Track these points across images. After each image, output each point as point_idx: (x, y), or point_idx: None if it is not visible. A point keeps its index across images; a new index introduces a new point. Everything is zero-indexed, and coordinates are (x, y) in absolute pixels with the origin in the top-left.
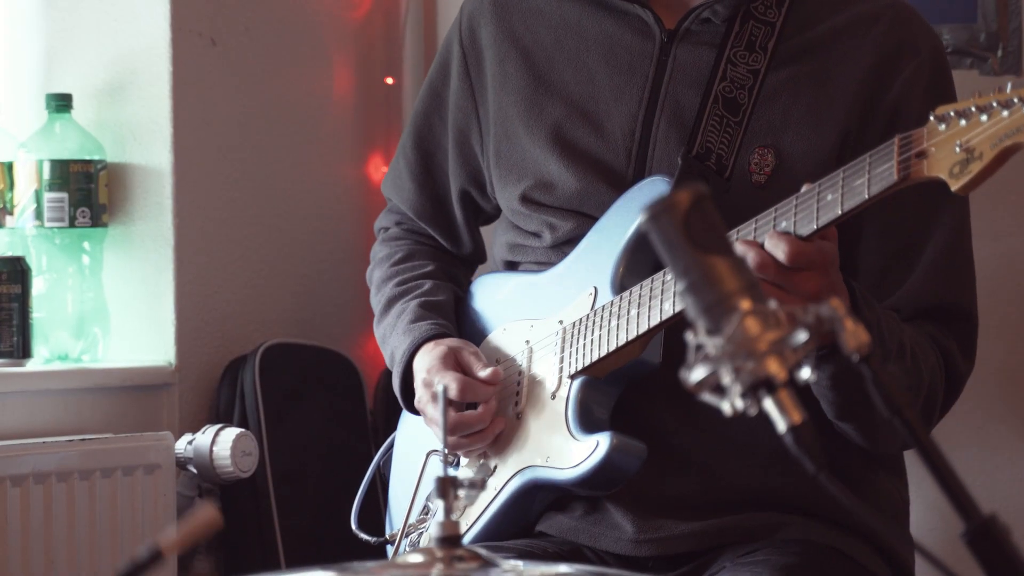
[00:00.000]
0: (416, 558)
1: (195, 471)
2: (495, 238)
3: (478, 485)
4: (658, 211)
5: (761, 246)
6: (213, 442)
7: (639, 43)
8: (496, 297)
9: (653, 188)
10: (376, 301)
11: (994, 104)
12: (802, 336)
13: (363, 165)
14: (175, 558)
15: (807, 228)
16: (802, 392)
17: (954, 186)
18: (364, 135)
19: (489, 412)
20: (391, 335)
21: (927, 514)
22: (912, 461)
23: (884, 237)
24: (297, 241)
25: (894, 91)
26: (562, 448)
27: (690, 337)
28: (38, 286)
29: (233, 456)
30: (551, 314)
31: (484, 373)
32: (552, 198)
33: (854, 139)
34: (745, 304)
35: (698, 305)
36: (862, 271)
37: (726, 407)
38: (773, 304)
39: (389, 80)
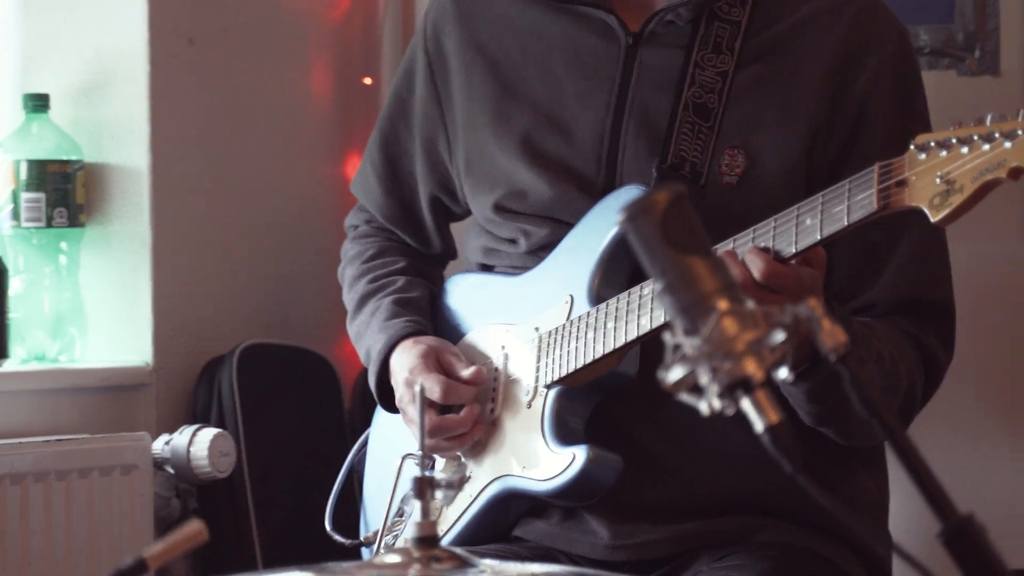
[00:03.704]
0: (393, 558)
1: (172, 471)
2: (468, 240)
3: (455, 486)
4: (636, 212)
5: (740, 260)
6: (190, 442)
7: (604, 47)
8: (471, 297)
9: (629, 196)
10: (349, 299)
11: (975, 137)
12: (779, 336)
13: (341, 165)
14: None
15: (787, 251)
16: (779, 392)
17: (935, 217)
18: (342, 135)
19: (471, 416)
20: (366, 332)
21: (904, 514)
22: (892, 459)
23: (857, 233)
24: (275, 241)
25: (860, 86)
26: (538, 459)
27: (668, 337)
28: (15, 286)
29: (210, 456)
30: (527, 319)
31: (467, 373)
32: (525, 206)
33: (823, 136)
34: (723, 304)
35: (676, 305)
36: (836, 268)
37: (703, 407)
38: (750, 304)
39: (367, 80)
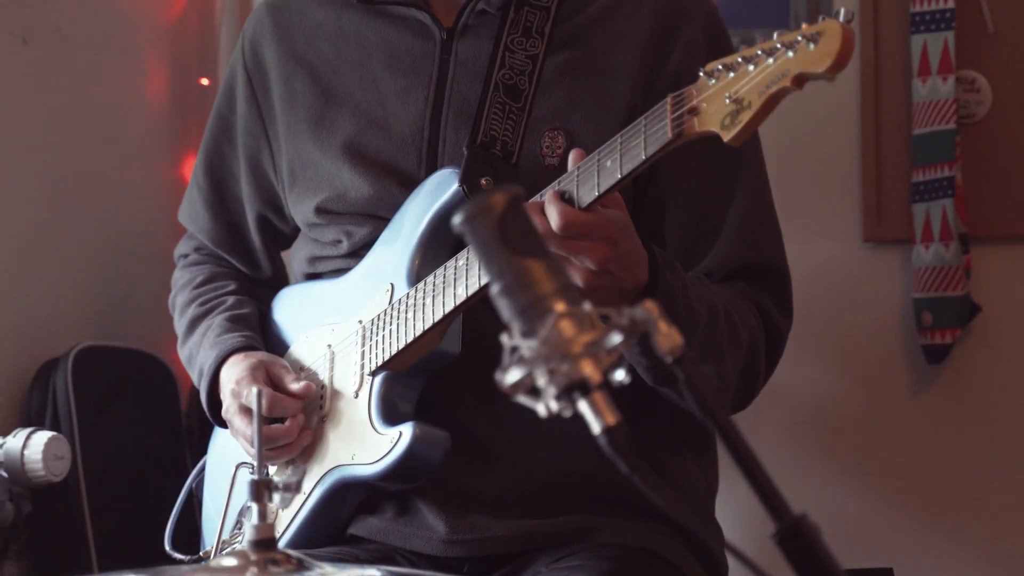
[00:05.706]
0: (231, 561)
1: (6, 475)
2: (295, 255)
3: (292, 488)
4: (473, 214)
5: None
6: (24, 446)
7: (420, 45)
8: (297, 307)
9: (442, 180)
10: (180, 325)
11: (759, 53)
12: (616, 338)
13: (177, 166)
14: None
15: (590, 196)
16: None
17: (726, 137)
18: (178, 136)
19: (296, 426)
20: (198, 352)
21: (739, 513)
22: (725, 462)
23: (686, 208)
24: (110, 242)
25: (673, 61)
26: (366, 443)
27: (505, 339)
28: None
29: (45, 460)
30: (351, 315)
31: (296, 387)
32: (346, 206)
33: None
34: (560, 306)
35: (513, 307)
36: (671, 246)
37: (541, 409)
38: (588, 306)
39: (204, 81)
